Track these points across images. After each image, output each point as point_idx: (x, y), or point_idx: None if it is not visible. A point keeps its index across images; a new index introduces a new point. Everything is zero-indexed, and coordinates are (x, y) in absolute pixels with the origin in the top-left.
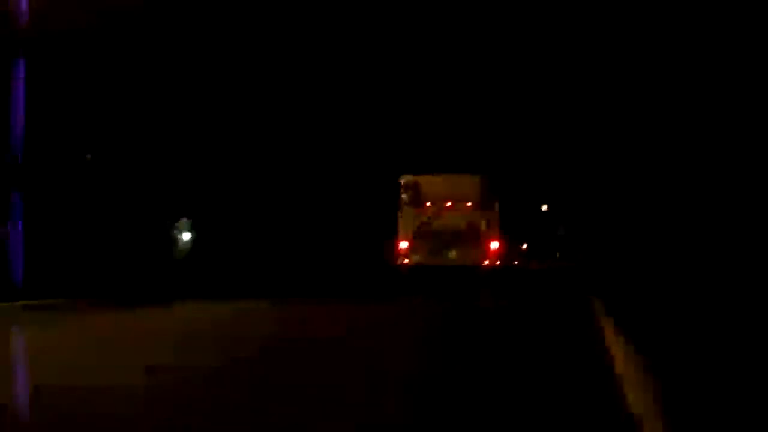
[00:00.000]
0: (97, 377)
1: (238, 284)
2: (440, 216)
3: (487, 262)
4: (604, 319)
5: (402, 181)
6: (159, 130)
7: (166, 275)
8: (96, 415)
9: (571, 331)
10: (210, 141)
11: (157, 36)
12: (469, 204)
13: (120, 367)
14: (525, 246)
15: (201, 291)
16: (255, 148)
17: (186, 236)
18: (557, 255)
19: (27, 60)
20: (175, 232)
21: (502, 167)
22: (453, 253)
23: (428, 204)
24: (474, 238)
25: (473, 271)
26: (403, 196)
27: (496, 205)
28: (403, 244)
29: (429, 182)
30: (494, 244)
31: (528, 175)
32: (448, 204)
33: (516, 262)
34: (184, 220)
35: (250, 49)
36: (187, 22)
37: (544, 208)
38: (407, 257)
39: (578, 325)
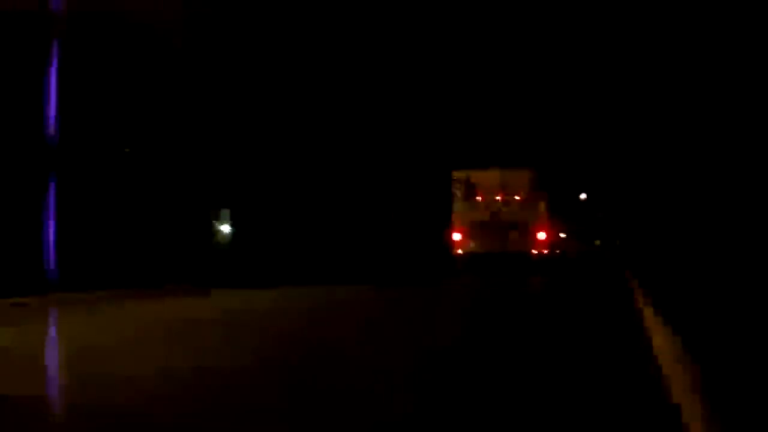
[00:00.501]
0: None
1: (293, 271)
2: (491, 208)
3: (535, 251)
4: (636, 289)
5: (455, 176)
6: (197, 121)
7: (206, 264)
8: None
9: (608, 306)
10: (257, 131)
11: (196, 22)
12: (518, 197)
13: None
14: (563, 235)
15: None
16: (307, 139)
17: (226, 228)
18: (596, 241)
19: (61, 43)
20: (215, 222)
21: (547, 160)
22: (504, 243)
23: (480, 197)
24: (523, 229)
25: (523, 258)
26: (456, 190)
27: (544, 197)
28: (457, 236)
29: (480, 176)
30: (542, 234)
31: (569, 166)
32: (498, 197)
33: (557, 251)
34: (225, 211)
35: (299, 38)
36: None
37: (583, 196)
38: (462, 247)
39: (614, 299)
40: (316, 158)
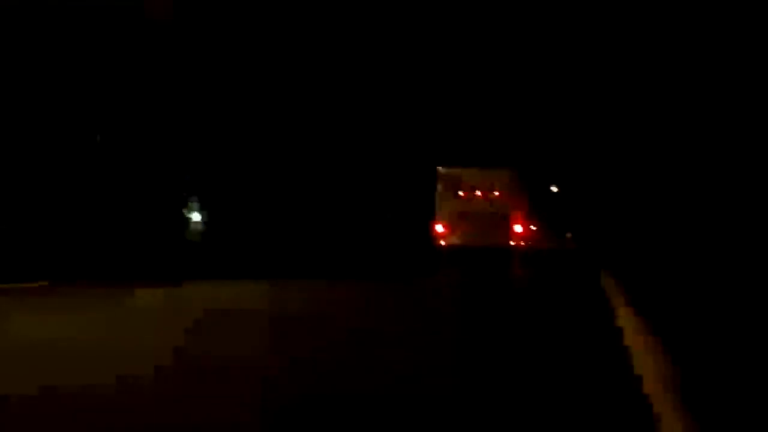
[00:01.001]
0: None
1: (267, 264)
2: (472, 203)
3: (513, 242)
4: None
5: (439, 173)
6: (170, 110)
7: (177, 255)
8: None
9: (578, 292)
10: (234, 121)
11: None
12: (497, 193)
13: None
14: (536, 228)
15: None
16: (285, 130)
17: (195, 216)
18: (568, 234)
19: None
20: (185, 211)
21: (523, 158)
22: (484, 235)
23: (461, 193)
24: (502, 222)
25: (501, 249)
26: (439, 185)
27: (521, 193)
28: (440, 228)
29: (462, 174)
30: (518, 227)
31: (543, 162)
32: (479, 193)
33: (531, 243)
34: (194, 201)
35: (278, 30)
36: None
37: (554, 189)
38: (444, 239)
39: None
40: (294, 149)
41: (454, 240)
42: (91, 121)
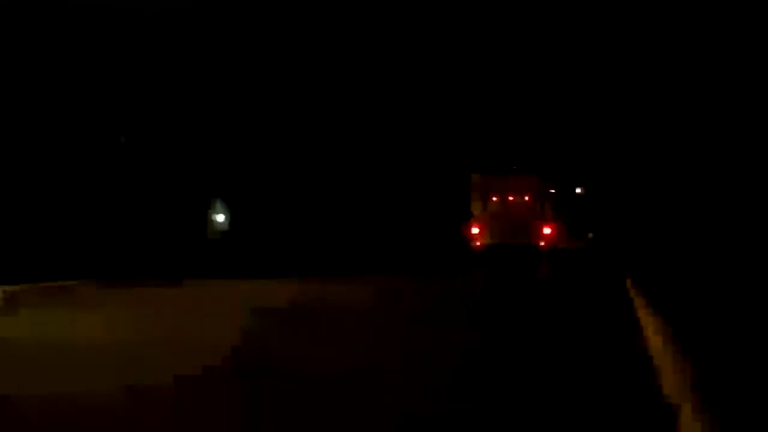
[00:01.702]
0: None
1: (307, 263)
2: (504, 207)
3: (542, 243)
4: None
5: (473, 179)
6: (195, 112)
7: (200, 255)
8: None
9: (603, 288)
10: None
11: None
12: (526, 197)
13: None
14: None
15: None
16: (318, 138)
17: (220, 217)
18: (589, 234)
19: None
20: (210, 212)
21: (550, 161)
22: (515, 236)
23: (494, 198)
24: (531, 224)
25: (532, 249)
26: (473, 191)
27: (549, 198)
28: (475, 230)
29: (495, 180)
30: (547, 230)
31: (568, 164)
32: (510, 198)
33: (558, 243)
34: (218, 202)
35: (310, 35)
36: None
37: (579, 190)
38: (479, 240)
39: (609, 285)
40: (332, 154)
41: (488, 241)
42: (116, 123)
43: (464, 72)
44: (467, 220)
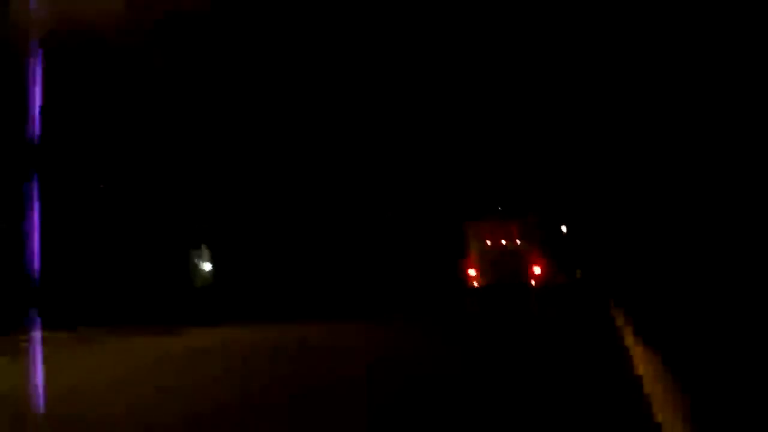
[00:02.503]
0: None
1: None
2: (497, 249)
3: (533, 281)
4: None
5: (467, 226)
6: (175, 156)
7: (184, 302)
8: None
9: (592, 320)
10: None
11: (177, 54)
12: (518, 240)
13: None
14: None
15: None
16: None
17: (206, 265)
18: (578, 271)
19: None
20: (195, 260)
21: (538, 204)
22: (508, 276)
23: (488, 241)
24: (523, 265)
25: (524, 287)
26: (469, 236)
27: (537, 237)
28: (472, 272)
29: (487, 225)
30: (537, 269)
31: (553, 205)
32: (503, 241)
33: (548, 281)
34: (204, 249)
35: (303, 76)
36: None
37: (564, 228)
38: (476, 280)
39: (598, 316)
40: (326, 198)
41: (484, 281)
42: (96, 169)
43: (449, 117)
44: (462, 262)
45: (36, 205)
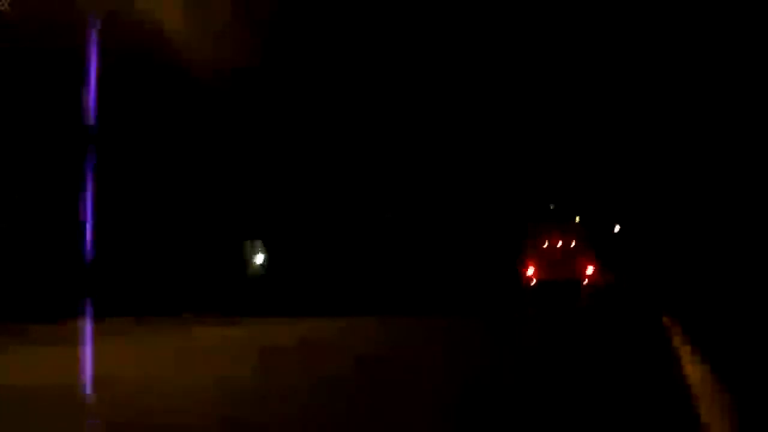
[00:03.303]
0: None
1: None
2: (554, 250)
3: (586, 281)
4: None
5: (528, 226)
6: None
7: (239, 293)
8: None
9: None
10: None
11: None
12: (573, 241)
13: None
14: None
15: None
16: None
17: (259, 258)
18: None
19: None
20: (249, 252)
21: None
22: (563, 274)
23: (546, 242)
24: (577, 264)
25: (577, 285)
26: (528, 236)
27: (591, 241)
28: (530, 270)
29: (545, 226)
30: (590, 269)
31: (606, 205)
32: (559, 242)
33: (600, 280)
34: (258, 241)
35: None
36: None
37: (617, 228)
38: (533, 278)
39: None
40: (372, 195)
41: (541, 279)
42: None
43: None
44: (520, 260)
45: (90, 194)
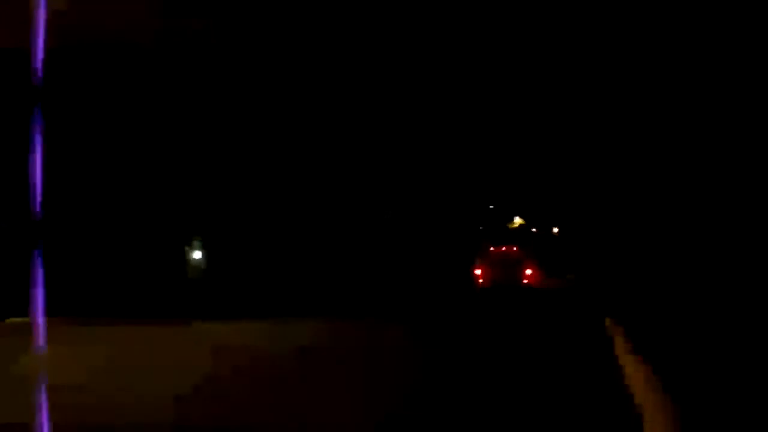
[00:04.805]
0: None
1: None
2: (499, 255)
3: (525, 281)
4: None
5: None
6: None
7: (180, 294)
8: None
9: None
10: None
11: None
12: (515, 248)
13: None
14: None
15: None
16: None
17: (197, 255)
18: (569, 275)
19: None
20: (187, 250)
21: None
22: (506, 277)
23: (492, 249)
24: (518, 267)
25: (518, 286)
26: (481, 250)
27: (530, 247)
28: (479, 272)
29: (494, 243)
30: (528, 271)
31: (547, 208)
32: (503, 249)
33: (539, 282)
34: (197, 239)
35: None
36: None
37: (555, 230)
38: (482, 279)
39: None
40: (310, 195)
41: (487, 281)
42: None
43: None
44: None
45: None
